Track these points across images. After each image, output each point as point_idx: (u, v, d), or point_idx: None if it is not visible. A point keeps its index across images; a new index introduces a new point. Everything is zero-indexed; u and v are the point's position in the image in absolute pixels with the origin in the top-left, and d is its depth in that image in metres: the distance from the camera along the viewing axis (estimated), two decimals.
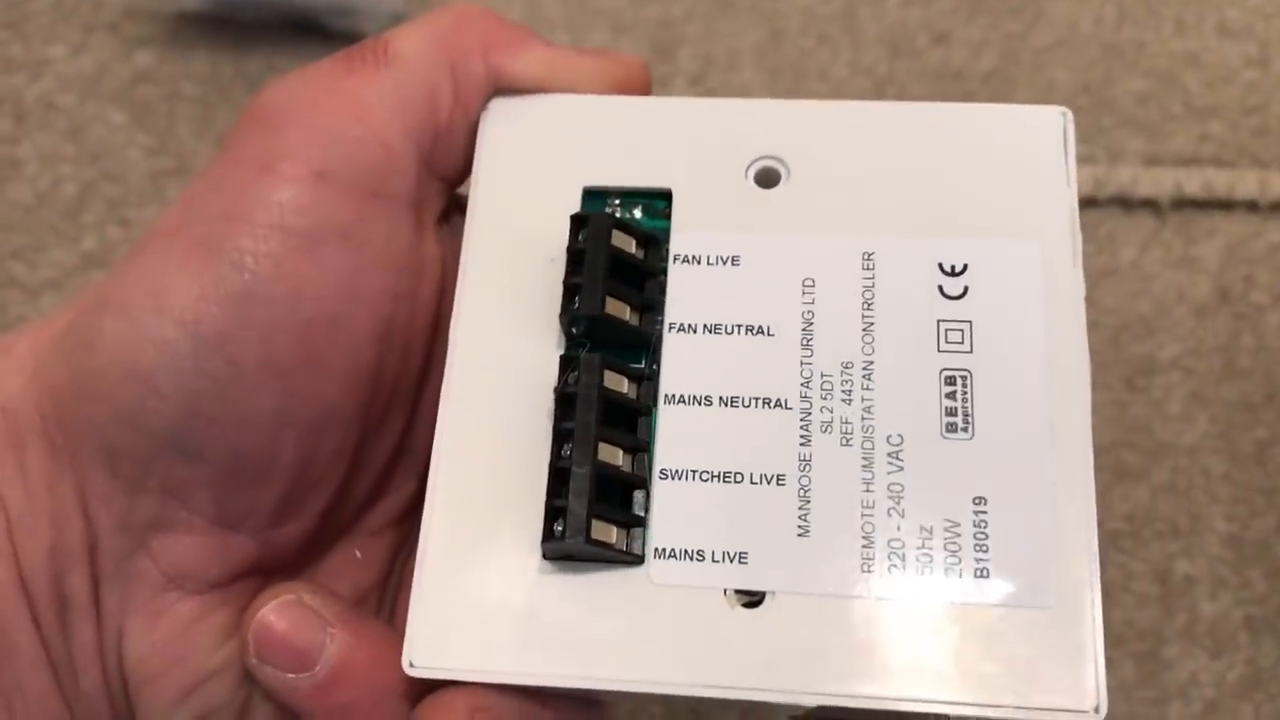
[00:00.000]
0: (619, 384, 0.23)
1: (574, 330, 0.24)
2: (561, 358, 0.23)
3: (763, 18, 0.52)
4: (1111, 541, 0.46)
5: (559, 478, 0.22)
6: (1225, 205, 0.50)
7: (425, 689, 0.23)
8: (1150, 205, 0.50)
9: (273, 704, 0.25)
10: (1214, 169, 0.50)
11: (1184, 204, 0.50)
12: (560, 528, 0.22)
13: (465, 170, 0.26)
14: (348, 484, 0.26)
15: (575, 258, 0.24)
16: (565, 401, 0.23)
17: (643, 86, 0.27)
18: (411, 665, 0.22)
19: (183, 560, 0.25)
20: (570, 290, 0.24)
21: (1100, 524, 0.45)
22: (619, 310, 0.24)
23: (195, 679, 0.25)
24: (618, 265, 0.24)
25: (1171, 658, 0.45)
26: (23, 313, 0.45)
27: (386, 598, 0.28)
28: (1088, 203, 0.50)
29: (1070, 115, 0.25)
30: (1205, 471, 0.47)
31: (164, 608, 0.25)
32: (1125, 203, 0.50)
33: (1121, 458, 0.47)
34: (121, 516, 0.24)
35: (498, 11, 0.27)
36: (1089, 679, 0.21)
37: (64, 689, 0.25)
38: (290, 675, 0.24)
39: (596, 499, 0.22)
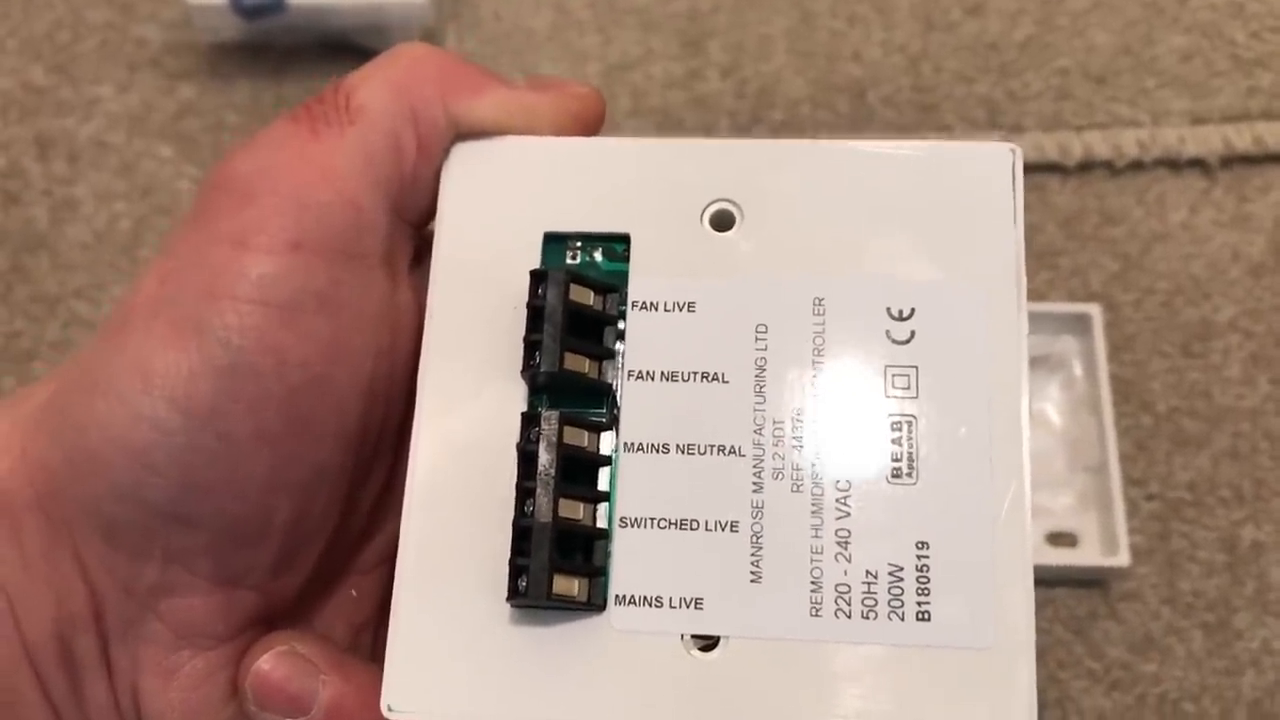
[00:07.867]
0: (579, 438, 0.24)
1: (536, 382, 0.25)
2: (524, 415, 0.24)
3: (791, 3, 0.51)
4: (1174, 511, 0.45)
5: (523, 536, 0.23)
6: (1278, 159, 0.49)
7: None
8: (1199, 165, 0.49)
9: None
10: (1264, 122, 0.49)
11: (1234, 161, 0.49)
12: (524, 585, 0.23)
13: (433, 211, 0.27)
14: (340, 531, 0.27)
15: (535, 314, 0.24)
16: (527, 459, 0.24)
17: (598, 114, 0.27)
18: (390, 709, 0.24)
19: (191, 620, 0.26)
20: (531, 346, 0.24)
21: (1160, 494, 0.45)
22: (578, 364, 0.24)
23: None
24: (576, 319, 0.24)
25: (1242, 627, 0.44)
26: None
27: (382, 630, 0.29)
28: (1134, 166, 0.49)
29: (1019, 152, 0.24)
30: (1269, 435, 0.46)
31: (177, 665, 0.26)
32: (1172, 164, 0.49)
33: (1181, 425, 0.46)
34: (126, 582, 0.25)
35: (452, 53, 0.27)
36: (1022, 715, 0.22)
37: None
38: None
39: (558, 554, 0.23)
